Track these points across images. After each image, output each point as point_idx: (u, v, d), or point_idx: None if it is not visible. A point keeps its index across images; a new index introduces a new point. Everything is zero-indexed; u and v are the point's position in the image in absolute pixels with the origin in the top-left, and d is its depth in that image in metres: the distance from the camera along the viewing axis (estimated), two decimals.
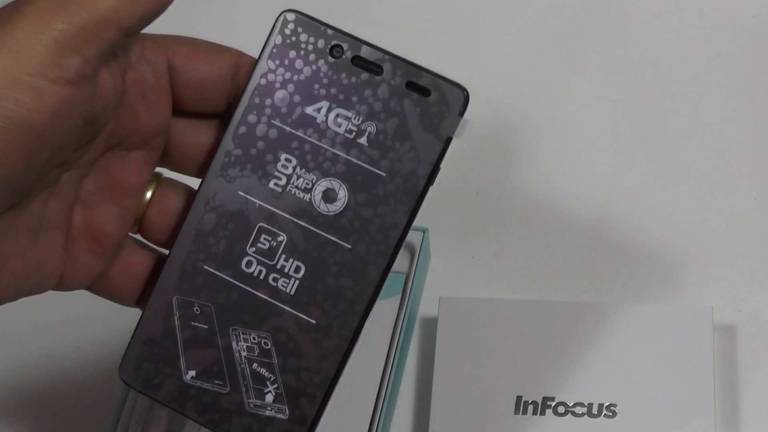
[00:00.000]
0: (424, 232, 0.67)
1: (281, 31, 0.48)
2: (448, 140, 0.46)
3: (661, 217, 0.70)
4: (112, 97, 0.45)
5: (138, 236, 0.49)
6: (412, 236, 0.67)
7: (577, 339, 0.62)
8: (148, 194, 0.48)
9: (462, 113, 0.46)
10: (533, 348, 0.63)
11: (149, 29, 0.45)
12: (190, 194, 0.49)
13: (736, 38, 0.75)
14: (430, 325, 0.67)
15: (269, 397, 0.47)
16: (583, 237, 0.70)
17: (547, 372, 0.62)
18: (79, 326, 0.70)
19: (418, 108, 0.47)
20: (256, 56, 0.48)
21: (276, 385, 0.47)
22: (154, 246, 0.50)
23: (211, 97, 0.48)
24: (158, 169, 0.49)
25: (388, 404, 0.63)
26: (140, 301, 0.49)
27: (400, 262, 0.67)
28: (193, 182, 0.49)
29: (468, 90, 0.46)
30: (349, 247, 0.47)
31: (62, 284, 0.48)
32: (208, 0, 0.82)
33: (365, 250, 0.47)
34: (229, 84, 0.48)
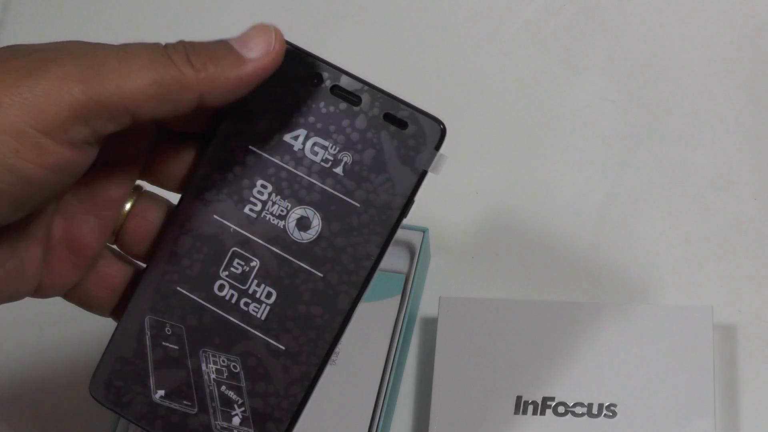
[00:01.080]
0: (424, 232, 0.67)
1: None
2: (424, 173, 0.47)
3: (661, 217, 0.70)
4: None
5: (115, 247, 0.49)
6: (412, 236, 0.67)
7: (577, 339, 0.62)
8: (127, 206, 0.48)
9: (438, 147, 0.47)
10: (533, 348, 0.63)
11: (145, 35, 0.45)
12: (169, 209, 0.49)
13: (736, 38, 0.75)
14: (430, 325, 0.67)
15: (236, 420, 0.47)
16: (583, 237, 0.70)
17: (547, 372, 0.62)
18: (79, 325, 0.70)
19: (394, 140, 0.47)
20: None
21: (243, 408, 0.47)
22: (131, 258, 0.49)
23: (199, 120, 0.48)
24: (138, 182, 0.49)
25: (388, 404, 0.63)
26: (115, 312, 0.49)
27: (400, 262, 0.67)
28: (173, 197, 0.49)
29: (445, 124, 0.46)
30: (321, 275, 0.47)
31: (38, 292, 0.48)
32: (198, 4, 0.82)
33: (337, 279, 0.47)
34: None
